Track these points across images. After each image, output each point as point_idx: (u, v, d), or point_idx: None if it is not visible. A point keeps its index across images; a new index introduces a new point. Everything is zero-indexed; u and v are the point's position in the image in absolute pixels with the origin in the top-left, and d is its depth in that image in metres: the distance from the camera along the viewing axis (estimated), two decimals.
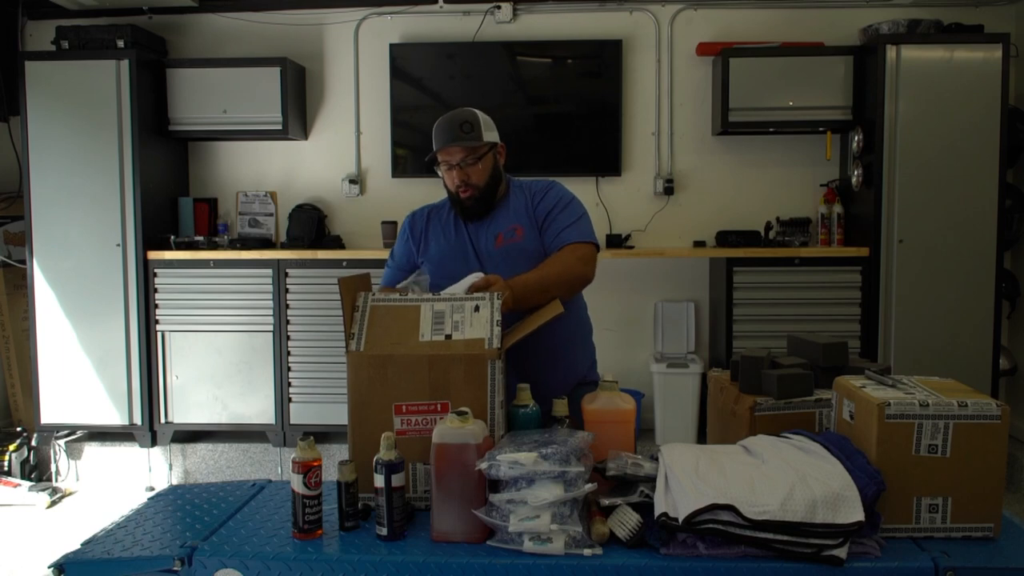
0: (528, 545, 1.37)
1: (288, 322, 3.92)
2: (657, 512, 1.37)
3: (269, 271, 3.92)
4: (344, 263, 3.91)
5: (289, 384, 3.94)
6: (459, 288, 1.82)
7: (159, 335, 3.95)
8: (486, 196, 2.10)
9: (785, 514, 1.31)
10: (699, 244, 4.10)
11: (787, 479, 1.36)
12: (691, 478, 1.37)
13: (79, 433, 4.13)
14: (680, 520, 1.33)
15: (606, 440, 1.54)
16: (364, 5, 4.23)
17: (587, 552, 1.35)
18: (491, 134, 2.08)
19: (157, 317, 3.95)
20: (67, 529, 3.53)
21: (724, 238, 3.98)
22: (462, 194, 2.08)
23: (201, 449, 4.08)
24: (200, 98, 4.02)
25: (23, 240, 4.07)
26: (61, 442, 4.08)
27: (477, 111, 2.09)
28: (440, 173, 2.12)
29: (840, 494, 1.33)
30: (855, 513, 1.31)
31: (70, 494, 3.97)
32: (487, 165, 2.08)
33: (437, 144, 2.06)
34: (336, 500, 1.51)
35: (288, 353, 3.93)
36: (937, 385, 1.52)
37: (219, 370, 3.96)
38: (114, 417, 3.96)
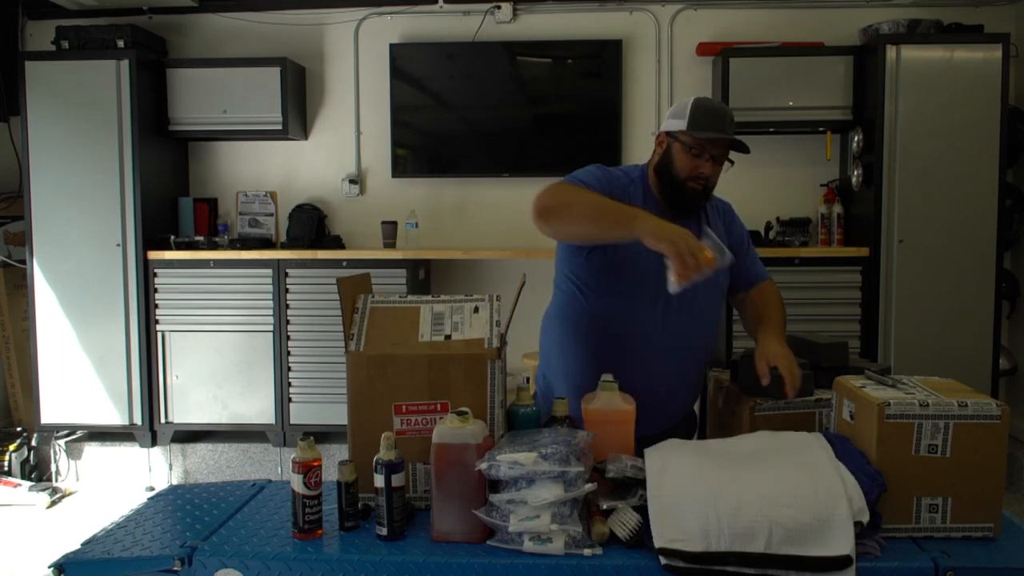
0: (528, 545, 1.36)
1: (288, 322, 3.92)
2: (654, 532, 1.36)
3: (269, 271, 3.92)
4: (344, 263, 3.91)
5: (289, 384, 3.94)
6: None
7: (159, 335, 3.95)
8: (703, 199, 1.91)
9: (774, 549, 1.31)
10: None
11: (775, 510, 1.33)
12: (673, 508, 1.36)
13: (79, 433, 4.13)
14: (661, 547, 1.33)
15: (606, 440, 1.54)
16: (364, 5, 4.23)
17: (587, 552, 1.35)
18: None
19: (157, 317, 3.95)
20: (67, 529, 3.53)
21: None
22: (691, 184, 1.85)
23: (201, 449, 4.08)
24: (200, 98, 4.02)
25: (23, 240, 4.07)
26: (61, 442, 4.08)
27: None
28: (671, 146, 1.88)
29: (833, 516, 1.32)
30: (846, 544, 1.30)
31: (70, 494, 3.97)
32: (721, 169, 1.91)
33: (708, 127, 1.83)
34: (336, 500, 1.51)
35: (288, 353, 3.93)
36: (937, 385, 1.52)
37: (219, 370, 3.96)
38: (114, 417, 3.97)
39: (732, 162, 1.91)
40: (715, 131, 1.84)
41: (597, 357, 1.87)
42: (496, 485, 1.42)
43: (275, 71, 3.99)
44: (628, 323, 1.88)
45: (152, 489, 4.00)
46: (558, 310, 2.01)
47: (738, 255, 1.93)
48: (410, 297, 1.74)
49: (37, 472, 4.09)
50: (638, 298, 1.85)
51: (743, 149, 1.87)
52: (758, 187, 4.17)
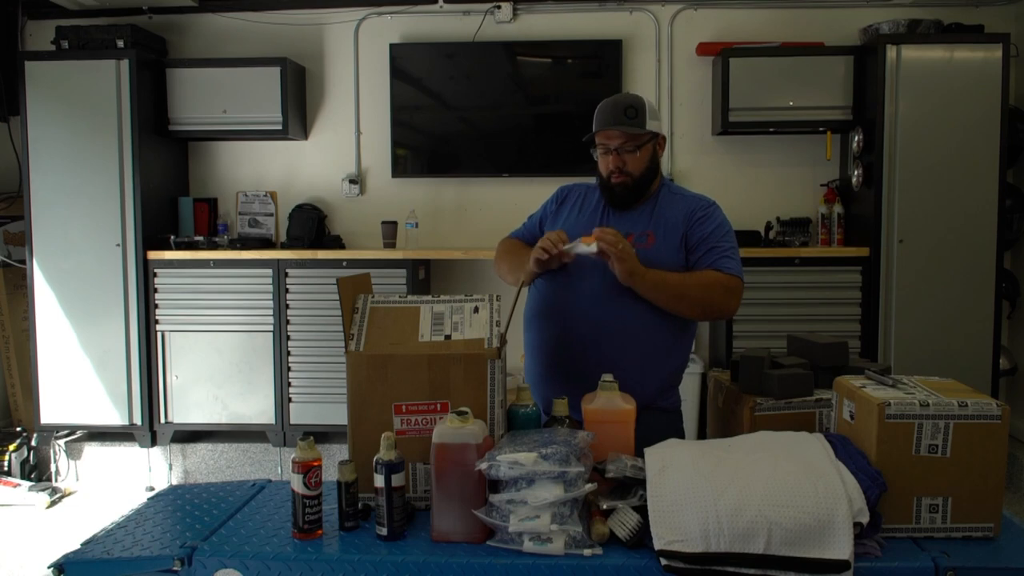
0: (528, 545, 1.37)
1: (288, 322, 3.92)
2: (654, 534, 1.36)
3: (269, 271, 3.92)
4: (344, 263, 3.91)
5: (289, 384, 3.94)
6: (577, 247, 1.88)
7: (159, 335, 3.95)
8: (639, 186, 2.03)
9: (773, 549, 1.31)
10: None
11: (775, 511, 1.34)
12: (672, 509, 1.37)
13: (79, 433, 4.13)
14: (661, 548, 1.33)
15: (606, 440, 1.54)
16: (364, 5, 4.23)
17: (587, 552, 1.35)
18: (655, 123, 2.02)
19: (157, 317, 3.95)
20: (67, 529, 3.53)
21: None
22: (614, 180, 2.02)
23: (201, 449, 4.08)
24: (200, 98, 4.02)
25: (23, 240, 4.07)
26: (61, 442, 4.08)
27: (643, 97, 2.04)
28: (595, 156, 2.09)
29: (833, 517, 1.32)
30: (845, 547, 1.30)
31: (70, 494, 3.97)
32: (645, 155, 2.02)
33: (597, 125, 2.02)
34: (336, 500, 1.51)
35: (288, 353, 3.93)
36: (937, 385, 1.52)
37: (219, 370, 3.96)
38: (114, 417, 3.96)
39: (655, 134, 2.02)
40: (601, 125, 2.02)
41: (545, 332, 2.06)
42: (496, 485, 1.42)
43: (275, 71, 3.99)
44: (563, 301, 2.01)
45: (152, 489, 4.00)
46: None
47: (693, 252, 2.00)
48: (410, 297, 1.74)
49: (37, 472, 4.09)
50: (564, 280, 1.99)
51: (637, 124, 1.98)
52: (758, 187, 4.17)
